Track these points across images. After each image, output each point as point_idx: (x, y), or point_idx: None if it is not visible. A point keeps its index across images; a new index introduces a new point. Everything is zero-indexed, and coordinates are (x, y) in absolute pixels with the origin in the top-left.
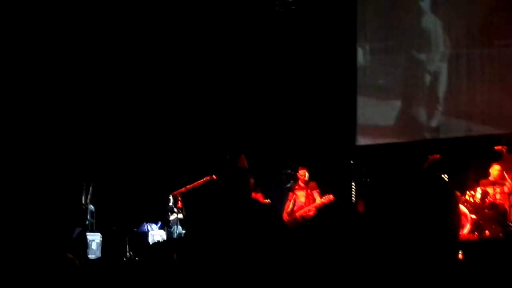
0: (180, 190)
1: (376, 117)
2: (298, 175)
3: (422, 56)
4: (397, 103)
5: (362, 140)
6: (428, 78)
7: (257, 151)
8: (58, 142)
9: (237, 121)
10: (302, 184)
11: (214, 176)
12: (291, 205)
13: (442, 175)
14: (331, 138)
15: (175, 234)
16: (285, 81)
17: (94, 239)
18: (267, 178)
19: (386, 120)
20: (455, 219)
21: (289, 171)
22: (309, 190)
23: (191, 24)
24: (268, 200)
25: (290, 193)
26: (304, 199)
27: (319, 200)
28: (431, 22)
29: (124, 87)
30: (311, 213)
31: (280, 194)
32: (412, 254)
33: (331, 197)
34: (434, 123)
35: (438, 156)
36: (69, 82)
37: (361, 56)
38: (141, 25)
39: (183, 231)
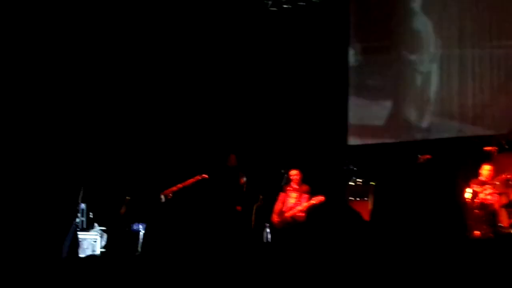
0: (171, 188)
1: (367, 117)
2: (291, 176)
3: (413, 57)
4: (388, 104)
5: (353, 140)
6: (419, 79)
7: (249, 151)
8: (52, 141)
9: (229, 121)
10: (295, 186)
11: (205, 175)
12: (281, 206)
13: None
14: (322, 138)
15: None
16: (277, 81)
17: (86, 237)
18: (259, 178)
19: (377, 120)
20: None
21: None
22: (300, 192)
23: (184, 24)
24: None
25: (281, 194)
26: (294, 201)
27: (306, 203)
28: (422, 23)
29: (117, 86)
30: (302, 213)
31: (274, 193)
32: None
33: (321, 197)
34: (425, 123)
35: (429, 156)
36: (63, 81)
37: (352, 56)
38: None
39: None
